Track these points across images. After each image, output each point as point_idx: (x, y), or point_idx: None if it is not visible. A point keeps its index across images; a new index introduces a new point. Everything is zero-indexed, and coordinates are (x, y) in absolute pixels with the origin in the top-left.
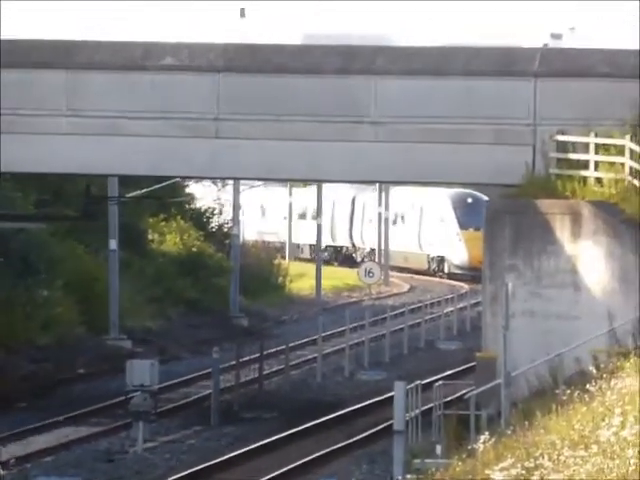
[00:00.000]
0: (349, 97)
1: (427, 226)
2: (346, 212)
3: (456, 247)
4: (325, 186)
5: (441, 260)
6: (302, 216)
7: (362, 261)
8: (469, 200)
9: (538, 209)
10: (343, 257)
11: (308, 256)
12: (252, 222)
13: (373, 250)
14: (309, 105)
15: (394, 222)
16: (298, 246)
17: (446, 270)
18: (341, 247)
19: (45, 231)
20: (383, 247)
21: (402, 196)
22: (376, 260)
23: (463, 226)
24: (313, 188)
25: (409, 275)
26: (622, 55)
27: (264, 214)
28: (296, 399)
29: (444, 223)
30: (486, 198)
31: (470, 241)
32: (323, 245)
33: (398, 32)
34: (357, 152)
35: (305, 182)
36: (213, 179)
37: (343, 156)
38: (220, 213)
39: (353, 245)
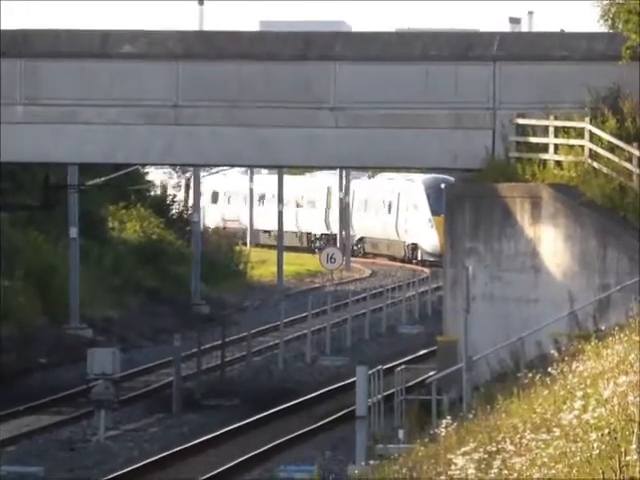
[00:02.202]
0: (308, 83)
1: (403, 213)
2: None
3: (428, 234)
4: (320, 174)
5: (415, 247)
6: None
7: (353, 248)
8: (442, 185)
9: (498, 193)
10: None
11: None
12: (216, 209)
13: (362, 238)
14: (268, 92)
15: (380, 209)
16: (300, 234)
17: (419, 257)
18: (335, 234)
19: (5, 220)
20: (353, 233)
21: (385, 183)
22: (364, 248)
23: (435, 212)
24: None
25: (370, 260)
26: (579, 38)
27: (229, 201)
28: (258, 386)
29: (417, 209)
30: None
31: (442, 227)
32: (318, 234)
33: (356, 18)
34: (317, 138)
35: (266, 168)
36: (172, 165)
37: (303, 142)
38: (174, 201)
39: None
